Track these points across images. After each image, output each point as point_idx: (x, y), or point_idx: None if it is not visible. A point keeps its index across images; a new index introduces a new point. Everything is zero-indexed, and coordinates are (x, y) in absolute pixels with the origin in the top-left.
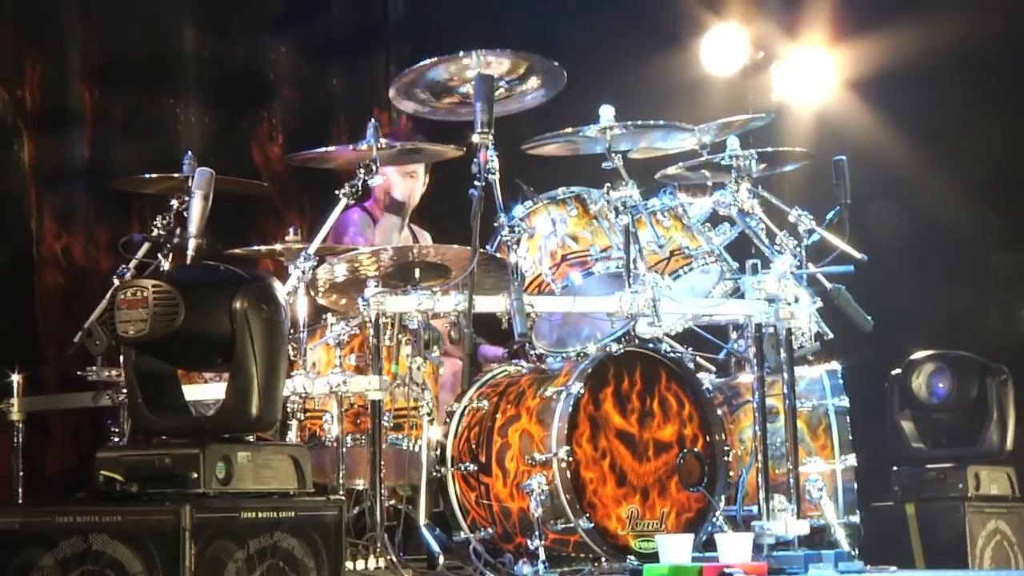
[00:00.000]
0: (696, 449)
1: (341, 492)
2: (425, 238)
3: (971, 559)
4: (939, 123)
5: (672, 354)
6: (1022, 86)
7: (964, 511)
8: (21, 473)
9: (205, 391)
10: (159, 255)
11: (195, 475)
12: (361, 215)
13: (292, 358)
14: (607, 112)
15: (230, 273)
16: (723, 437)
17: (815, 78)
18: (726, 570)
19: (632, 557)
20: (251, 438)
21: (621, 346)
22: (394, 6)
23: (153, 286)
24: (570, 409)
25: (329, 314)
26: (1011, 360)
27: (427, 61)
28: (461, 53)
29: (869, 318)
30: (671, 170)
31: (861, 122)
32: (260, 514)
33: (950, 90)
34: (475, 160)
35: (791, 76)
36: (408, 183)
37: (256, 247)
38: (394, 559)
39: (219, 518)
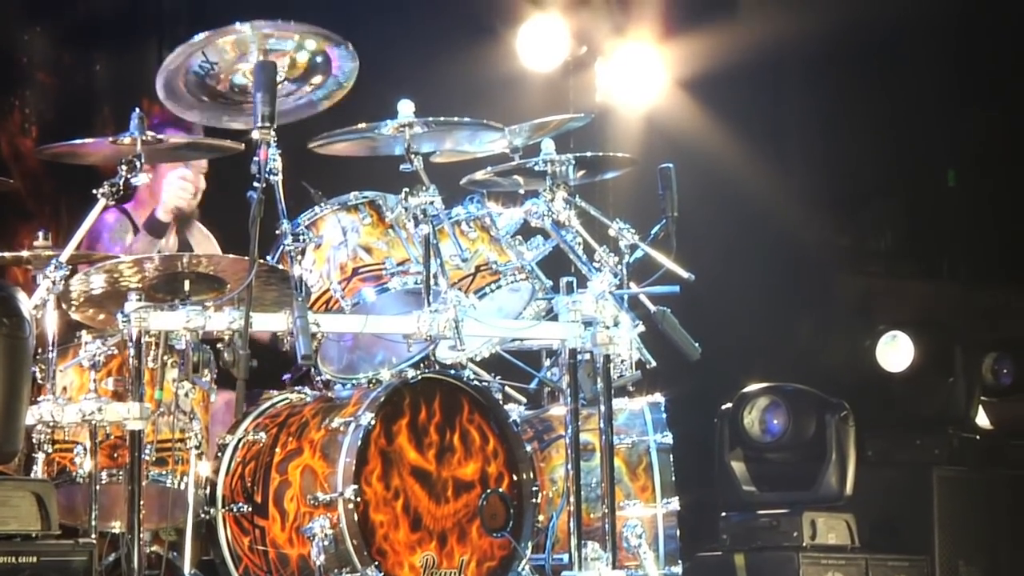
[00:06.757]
0: (501, 489)
1: (93, 536)
2: (212, 244)
3: None
4: (780, 129)
5: (476, 382)
6: (872, 87)
7: (799, 562)
8: None
9: None
10: None
11: None
12: (119, 219)
13: (39, 381)
14: (406, 107)
15: None
16: (532, 476)
17: (643, 76)
18: None
19: None
20: None
21: (418, 372)
22: None
23: None
24: (359, 443)
25: (83, 331)
26: (852, 396)
27: (197, 38)
28: (236, 24)
29: (697, 345)
30: (478, 175)
31: (693, 126)
32: None
33: (792, 91)
34: (254, 158)
35: (617, 74)
36: (182, 190)
37: None
38: None
39: None
